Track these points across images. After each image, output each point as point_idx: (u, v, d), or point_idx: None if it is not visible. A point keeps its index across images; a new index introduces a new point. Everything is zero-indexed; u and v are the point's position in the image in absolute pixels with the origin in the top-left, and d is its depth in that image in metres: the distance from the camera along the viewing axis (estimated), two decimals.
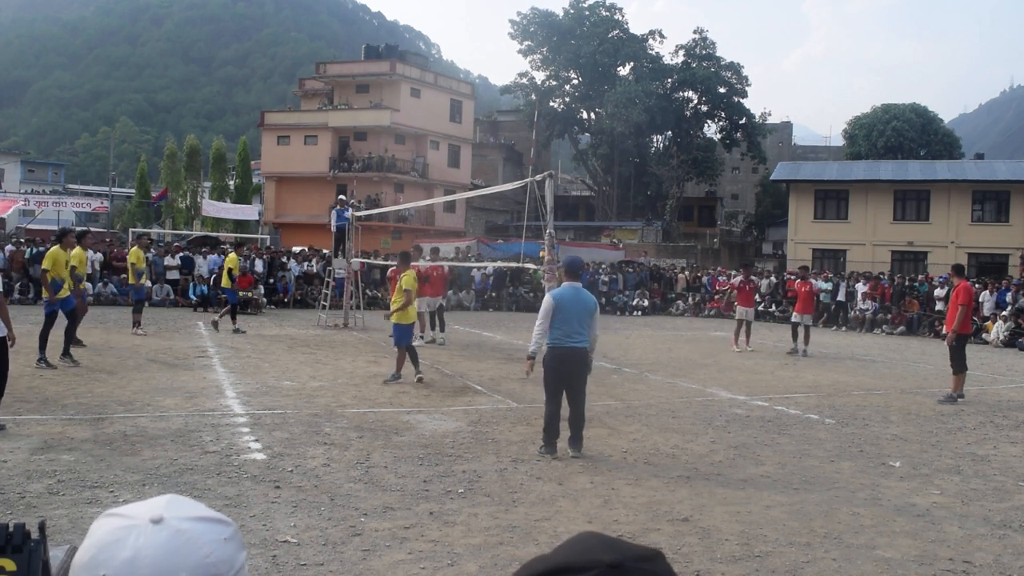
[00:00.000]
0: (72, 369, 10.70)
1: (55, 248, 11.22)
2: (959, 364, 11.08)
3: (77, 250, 11.99)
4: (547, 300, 7.21)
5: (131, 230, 40.43)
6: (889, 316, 24.97)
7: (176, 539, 0.91)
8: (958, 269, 11.83)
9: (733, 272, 27.84)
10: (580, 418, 7.23)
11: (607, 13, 51.33)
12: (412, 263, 15.65)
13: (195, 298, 22.41)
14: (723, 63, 51.08)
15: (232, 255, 17.21)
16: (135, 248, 16.07)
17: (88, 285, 18.16)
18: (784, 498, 6.07)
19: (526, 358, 7.56)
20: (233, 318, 16.44)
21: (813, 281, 18.99)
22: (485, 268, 26.15)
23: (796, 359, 15.92)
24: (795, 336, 16.94)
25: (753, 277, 18.71)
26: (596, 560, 0.82)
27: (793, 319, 17.28)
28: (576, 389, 7.22)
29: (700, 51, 51.57)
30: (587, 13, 51.38)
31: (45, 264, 11.15)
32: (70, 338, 11.40)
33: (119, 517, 0.94)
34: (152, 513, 0.93)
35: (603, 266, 31.45)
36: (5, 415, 7.73)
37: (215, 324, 16.35)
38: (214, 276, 22.96)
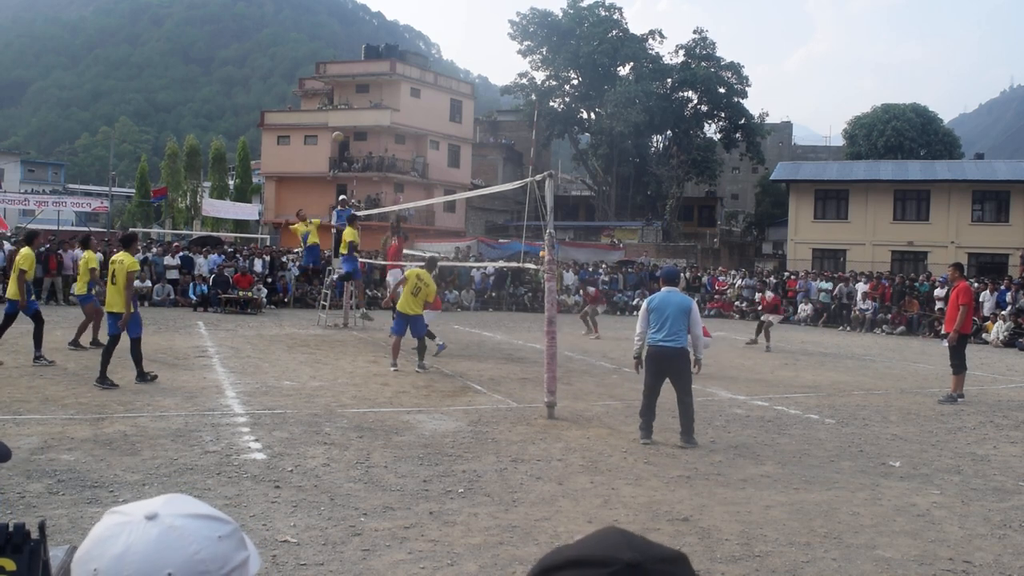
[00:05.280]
0: (72, 368, 10.70)
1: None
2: (959, 364, 11.06)
3: (88, 254, 12.33)
4: (643, 305, 8.05)
5: (131, 230, 40.44)
6: (889, 316, 24.98)
7: (167, 535, 0.92)
8: (959, 268, 11.76)
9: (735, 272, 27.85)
10: (687, 409, 7.68)
11: (606, 13, 51.28)
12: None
13: (195, 298, 22.40)
14: (723, 63, 51.01)
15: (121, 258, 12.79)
16: (88, 252, 12.87)
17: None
18: (784, 498, 6.06)
19: (633, 358, 8.22)
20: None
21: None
22: (485, 268, 26.14)
23: (793, 358, 15.94)
24: (758, 331, 18.13)
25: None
26: (615, 557, 0.81)
27: (763, 316, 18.56)
28: (679, 385, 7.73)
29: (700, 51, 51.53)
30: (586, 13, 51.35)
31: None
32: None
33: (119, 515, 0.95)
34: (148, 510, 0.94)
35: (603, 266, 31.47)
36: (5, 415, 7.73)
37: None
38: (213, 276, 22.99)
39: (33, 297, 11.50)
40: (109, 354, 9.58)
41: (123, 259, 9.71)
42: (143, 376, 9.81)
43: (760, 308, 19.51)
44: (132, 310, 9.65)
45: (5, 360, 11.02)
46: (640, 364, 8.02)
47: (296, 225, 19.81)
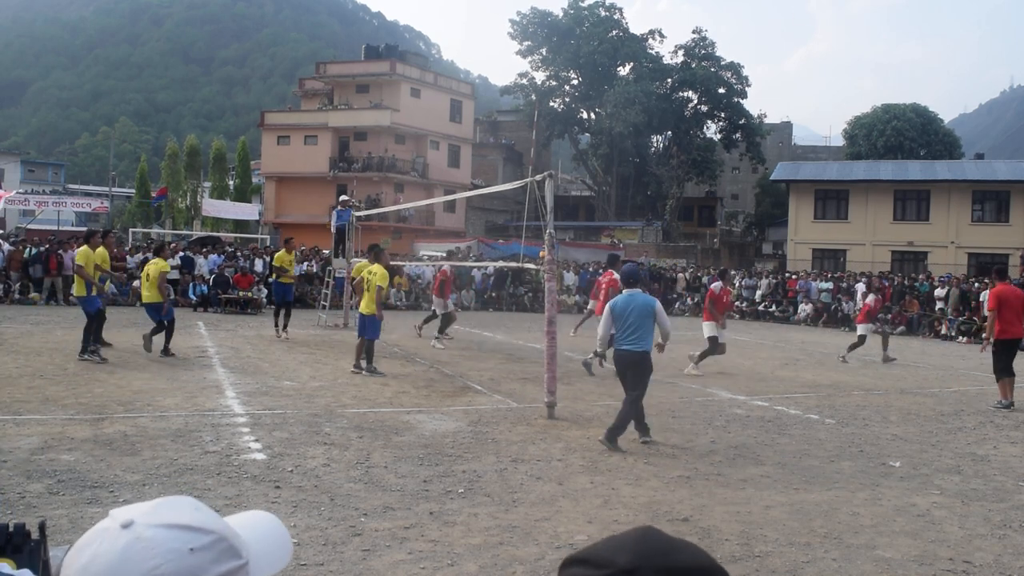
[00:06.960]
0: (72, 369, 10.69)
1: (84, 247, 12.11)
2: (1002, 369, 10.73)
3: (100, 249, 12.49)
4: (606, 308, 7.96)
5: (131, 230, 40.42)
6: (889, 316, 24.98)
7: (131, 548, 0.88)
8: (1000, 272, 11.80)
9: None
10: (628, 409, 7.52)
11: (606, 13, 51.28)
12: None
13: (195, 298, 22.41)
14: (723, 63, 51.04)
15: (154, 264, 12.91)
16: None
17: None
18: (784, 498, 6.06)
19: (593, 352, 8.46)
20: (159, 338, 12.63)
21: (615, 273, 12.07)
22: (485, 268, 26.15)
23: (793, 358, 15.93)
24: (884, 344, 15.80)
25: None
26: (614, 560, 0.79)
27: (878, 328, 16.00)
28: (633, 384, 7.61)
29: (699, 51, 51.54)
30: (586, 13, 51.36)
31: (79, 260, 11.90)
32: (89, 336, 11.69)
33: (108, 519, 0.92)
34: (127, 517, 0.91)
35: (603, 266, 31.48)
36: (5, 415, 7.73)
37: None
38: (213, 276, 22.99)
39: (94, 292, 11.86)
40: (152, 337, 12.23)
41: (156, 262, 12.46)
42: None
43: (876, 321, 15.52)
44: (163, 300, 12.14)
45: (8, 360, 11.03)
46: (602, 357, 8.02)
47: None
